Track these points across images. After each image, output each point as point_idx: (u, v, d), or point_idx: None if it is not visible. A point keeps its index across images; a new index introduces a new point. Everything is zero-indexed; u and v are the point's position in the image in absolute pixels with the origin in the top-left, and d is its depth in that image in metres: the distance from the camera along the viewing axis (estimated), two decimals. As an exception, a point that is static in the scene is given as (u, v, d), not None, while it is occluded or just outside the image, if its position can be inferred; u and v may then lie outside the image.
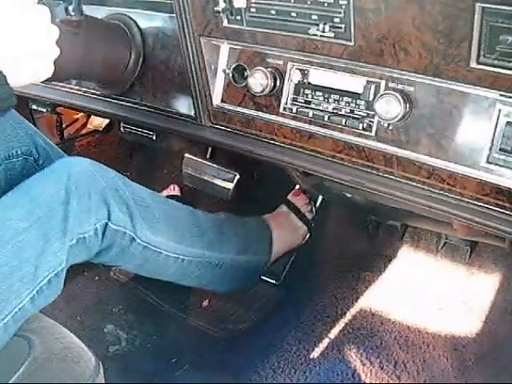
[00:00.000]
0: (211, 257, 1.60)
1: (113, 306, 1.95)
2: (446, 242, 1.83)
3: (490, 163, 0.99)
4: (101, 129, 2.35)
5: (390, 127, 1.09)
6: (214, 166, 1.96)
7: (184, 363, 1.71)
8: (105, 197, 1.30)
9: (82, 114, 2.34)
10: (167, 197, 1.94)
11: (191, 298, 1.92)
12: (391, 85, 1.07)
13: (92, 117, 2.36)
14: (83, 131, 2.41)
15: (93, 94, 1.60)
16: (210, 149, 2.05)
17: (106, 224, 1.31)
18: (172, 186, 2.21)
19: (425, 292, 1.79)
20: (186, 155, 1.98)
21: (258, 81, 1.21)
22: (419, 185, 1.10)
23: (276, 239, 1.80)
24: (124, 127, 1.81)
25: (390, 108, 1.05)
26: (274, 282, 1.94)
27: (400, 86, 1.06)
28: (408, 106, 1.05)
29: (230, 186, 1.92)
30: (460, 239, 1.76)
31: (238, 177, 1.91)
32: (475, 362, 1.58)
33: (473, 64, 0.94)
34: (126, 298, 1.97)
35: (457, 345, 1.62)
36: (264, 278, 1.92)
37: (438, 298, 1.76)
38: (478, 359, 1.58)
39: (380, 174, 1.14)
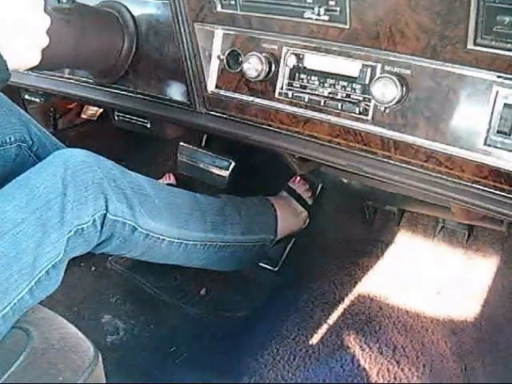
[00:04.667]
0: (216, 239, 1.60)
1: (110, 296, 1.95)
2: (443, 227, 1.83)
3: (488, 145, 0.98)
4: (95, 118, 2.35)
5: (387, 111, 1.08)
6: (210, 153, 1.99)
7: (182, 352, 1.72)
8: (102, 187, 1.30)
9: (75, 103, 2.33)
10: None
11: (189, 287, 1.91)
12: (387, 68, 1.06)
13: (86, 106, 2.35)
14: (77, 121, 2.40)
15: (86, 82, 1.59)
16: (205, 136, 2.08)
17: (105, 215, 1.31)
18: (167, 175, 2.19)
19: (423, 276, 1.79)
20: (181, 143, 2.03)
21: (253, 66, 1.20)
22: (417, 168, 1.09)
23: (280, 218, 1.81)
24: (118, 115, 1.78)
25: (386, 91, 1.04)
26: (272, 268, 1.94)
27: (396, 69, 1.05)
28: (404, 89, 1.04)
29: (226, 173, 1.95)
30: (457, 223, 1.76)
31: (233, 164, 1.95)
32: (474, 345, 1.58)
33: (470, 45, 0.93)
34: (123, 288, 1.97)
35: (455, 329, 1.62)
36: (262, 264, 1.92)
37: (436, 283, 1.77)
38: (477, 343, 1.58)
39: (377, 158, 1.14)
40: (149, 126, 1.71)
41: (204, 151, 2.02)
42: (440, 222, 1.82)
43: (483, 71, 0.95)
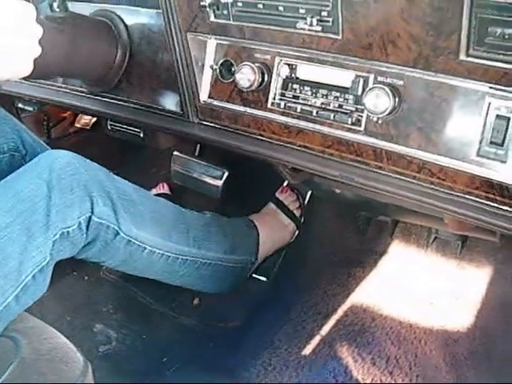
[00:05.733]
0: (198, 255, 1.59)
1: (102, 305, 1.93)
2: (436, 237, 1.82)
3: (481, 156, 0.98)
4: (88, 127, 2.33)
5: (379, 121, 1.08)
6: (203, 163, 1.96)
7: (175, 362, 1.70)
8: (88, 190, 1.29)
9: (69, 112, 2.32)
10: (157, 195, 1.96)
11: (181, 297, 1.89)
12: (380, 78, 1.06)
13: (79, 115, 2.33)
14: (71, 130, 2.39)
15: (80, 91, 1.59)
16: (198, 146, 2.05)
17: (90, 217, 1.30)
18: (161, 185, 2.18)
19: (416, 287, 1.79)
20: (175, 153, 1.99)
21: (246, 76, 1.20)
22: (409, 179, 1.09)
23: (263, 239, 1.79)
24: (111, 125, 1.78)
25: (378, 102, 1.04)
26: (264, 279, 1.92)
27: (389, 80, 1.05)
28: (397, 99, 1.04)
29: (219, 183, 1.92)
30: (451, 234, 1.75)
31: (227, 174, 1.92)
32: (467, 357, 1.57)
33: (462, 56, 0.93)
34: (116, 297, 1.95)
35: (448, 340, 1.61)
36: (254, 275, 1.90)
37: (430, 293, 1.76)
38: (470, 354, 1.57)
39: (370, 168, 1.13)
40: (141, 135, 1.71)
41: (197, 160, 2.00)
42: (433, 232, 1.81)
43: (476, 82, 0.95)
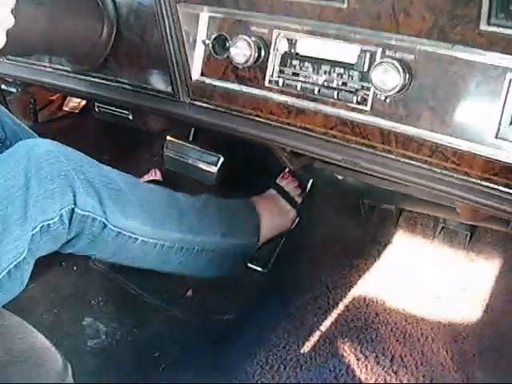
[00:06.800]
0: (193, 241, 1.55)
1: (92, 297, 1.89)
2: (443, 227, 1.78)
3: (500, 139, 0.92)
4: (77, 111, 2.31)
5: (388, 100, 1.02)
6: (197, 148, 1.94)
7: (166, 358, 1.67)
8: (69, 180, 1.25)
9: (57, 95, 2.30)
10: (148, 182, 2.00)
11: (174, 288, 1.86)
12: (388, 53, 1.00)
13: (68, 98, 2.31)
14: (59, 114, 2.37)
15: (64, 71, 1.54)
16: (193, 130, 2.03)
17: (73, 209, 1.26)
18: (153, 171, 2.14)
19: (422, 280, 1.75)
20: (168, 137, 1.98)
21: (241, 51, 1.15)
22: (420, 164, 1.03)
23: (264, 222, 1.76)
24: (98, 107, 1.77)
25: (387, 78, 0.98)
26: (261, 269, 1.88)
27: (398, 55, 0.99)
28: (407, 76, 0.98)
29: (214, 169, 1.91)
30: (459, 223, 1.71)
31: (222, 159, 1.90)
32: (476, 354, 1.54)
33: (483, 26, 0.87)
34: (106, 289, 1.91)
35: (457, 336, 1.58)
36: (251, 265, 1.87)
37: (437, 287, 1.72)
38: (480, 351, 1.54)
39: (377, 152, 1.08)
40: (130, 117, 1.70)
41: (192, 146, 1.98)
42: (441, 222, 1.77)
43: (496, 55, 0.89)
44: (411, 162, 1.04)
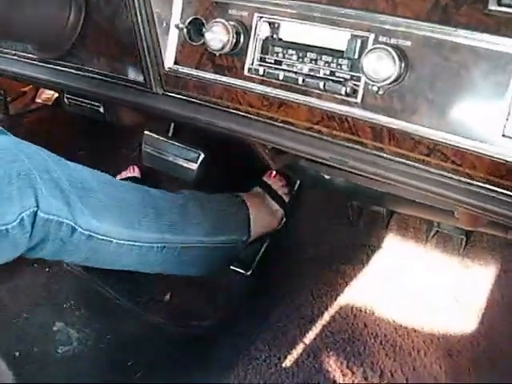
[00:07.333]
0: (174, 241, 1.51)
1: (64, 300, 1.85)
2: (437, 231, 1.75)
3: (507, 137, 0.84)
4: (50, 103, 2.24)
5: (380, 92, 0.93)
6: (176, 144, 1.88)
7: (140, 367, 1.65)
8: (31, 180, 1.19)
9: (30, 86, 2.22)
10: (125, 179, 1.99)
11: (151, 291, 1.84)
12: (382, 39, 0.91)
13: (40, 90, 2.24)
14: (33, 106, 2.30)
15: (29, 58, 1.45)
16: (172, 124, 1.98)
17: (35, 213, 1.20)
18: (131, 167, 2.11)
19: (414, 288, 1.72)
20: (146, 132, 1.91)
21: (217, 36, 1.06)
22: (416, 164, 0.95)
23: (253, 216, 1.73)
24: (68, 98, 1.68)
25: (380, 67, 0.89)
26: (243, 271, 1.87)
27: (393, 41, 0.90)
28: (403, 64, 0.89)
29: (194, 166, 1.84)
30: (454, 227, 1.69)
31: (202, 156, 1.84)
32: (471, 367, 1.53)
33: (492, 5, 0.79)
34: (79, 292, 1.88)
35: (451, 349, 1.57)
36: (233, 267, 1.86)
37: (429, 295, 1.70)
38: (475, 365, 1.53)
39: (367, 150, 1.00)
40: (101, 110, 1.62)
41: (171, 141, 1.91)
42: (434, 225, 1.74)
43: (506, 41, 0.80)
44: (406, 161, 0.96)
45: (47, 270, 1.93)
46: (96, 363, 1.67)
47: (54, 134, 2.23)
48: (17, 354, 1.65)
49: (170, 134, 1.97)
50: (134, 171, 2.10)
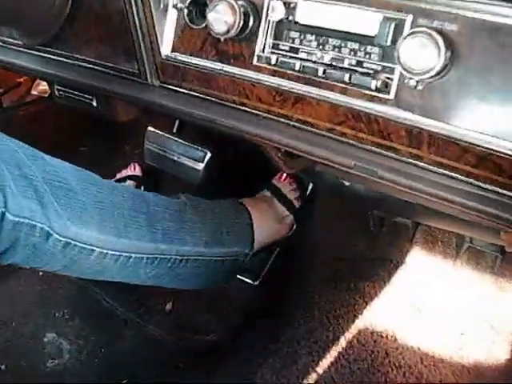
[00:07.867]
0: (170, 251, 1.42)
1: (57, 308, 1.79)
2: (469, 246, 1.66)
3: None
4: (46, 95, 2.15)
5: (419, 86, 0.83)
6: (181, 141, 1.81)
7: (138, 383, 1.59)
8: None
9: (25, 77, 2.16)
10: (126, 178, 1.95)
11: (152, 300, 1.77)
12: (422, 21, 0.80)
13: (36, 81, 2.18)
14: (29, 98, 2.23)
15: (14, 44, 1.40)
16: (177, 121, 1.88)
17: (3, 214, 1.12)
18: (132, 165, 2.04)
19: (441, 310, 1.63)
20: (149, 128, 1.85)
21: (222, 16, 0.96)
22: (460, 176, 0.85)
23: (257, 226, 1.64)
24: (58, 89, 1.58)
25: (420, 56, 0.79)
26: (251, 281, 1.78)
27: (436, 24, 0.79)
28: (449, 53, 0.78)
29: (200, 166, 1.77)
30: (487, 243, 1.57)
31: (209, 155, 1.76)
32: None
33: None
34: (74, 300, 1.82)
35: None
36: (239, 276, 1.77)
37: (459, 319, 1.60)
38: None
39: (401, 158, 0.90)
40: (94, 103, 1.53)
41: (175, 138, 1.83)
42: (466, 240, 1.65)
43: None
44: (448, 172, 0.86)
45: (41, 274, 1.85)
46: (88, 379, 1.60)
47: (51, 128, 2.16)
48: (2, 367, 1.61)
49: (174, 131, 1.89)
50: (135, 169, 2.03)
